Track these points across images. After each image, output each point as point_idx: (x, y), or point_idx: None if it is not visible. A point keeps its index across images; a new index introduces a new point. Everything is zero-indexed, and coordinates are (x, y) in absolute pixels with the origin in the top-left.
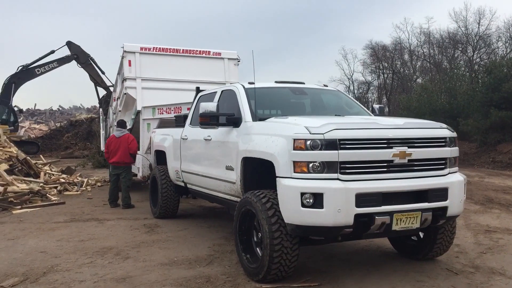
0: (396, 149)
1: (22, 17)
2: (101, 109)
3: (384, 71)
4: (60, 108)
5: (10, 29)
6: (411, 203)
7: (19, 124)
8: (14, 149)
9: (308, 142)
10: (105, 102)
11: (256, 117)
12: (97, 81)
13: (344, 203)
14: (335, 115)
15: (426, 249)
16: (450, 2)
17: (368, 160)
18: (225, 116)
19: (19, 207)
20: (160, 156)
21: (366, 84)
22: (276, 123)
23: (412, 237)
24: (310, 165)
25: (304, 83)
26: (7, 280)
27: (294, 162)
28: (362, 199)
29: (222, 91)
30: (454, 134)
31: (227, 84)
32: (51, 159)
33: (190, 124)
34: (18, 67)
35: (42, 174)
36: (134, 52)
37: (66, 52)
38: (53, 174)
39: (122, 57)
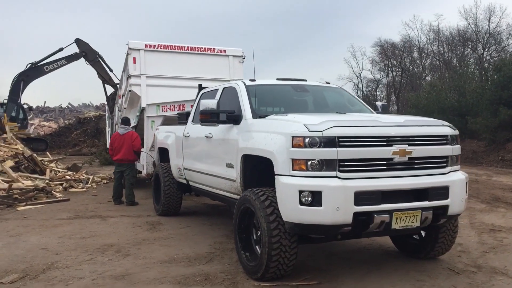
0: (396, 147)
1: (31, 15)
2: (107, 107)
3: (393, 69)
4: (69, 106)
5: (20, 27)
6: (411, 202)
7: (29, 122)
8: (20, 146)
9: (307, 140)
10: (112, 99)
11: (256, 114)
12: (105, 78)
13: (343, 201)
14: (336, 113)
15: (427, 248)
16: None
17: (367, 158)
18: (226, 114)
19: (24, 203)
20: (163, 154)
21: (374, 82)
22: (275, 120)
23: (414, 236)
24: (309, 163)
25: (306, 80)
26: (7, 276)
27: (292, 159)
28: (361, 197)
29: (223, 88)
30: (456, 132)
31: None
32: (59, 156)
33: (192, 121)
34: (27, 65)
35: (48, 171)
36: (139, 49)
37: (74, 49)
38: (59, 171)
39: (127, 54)
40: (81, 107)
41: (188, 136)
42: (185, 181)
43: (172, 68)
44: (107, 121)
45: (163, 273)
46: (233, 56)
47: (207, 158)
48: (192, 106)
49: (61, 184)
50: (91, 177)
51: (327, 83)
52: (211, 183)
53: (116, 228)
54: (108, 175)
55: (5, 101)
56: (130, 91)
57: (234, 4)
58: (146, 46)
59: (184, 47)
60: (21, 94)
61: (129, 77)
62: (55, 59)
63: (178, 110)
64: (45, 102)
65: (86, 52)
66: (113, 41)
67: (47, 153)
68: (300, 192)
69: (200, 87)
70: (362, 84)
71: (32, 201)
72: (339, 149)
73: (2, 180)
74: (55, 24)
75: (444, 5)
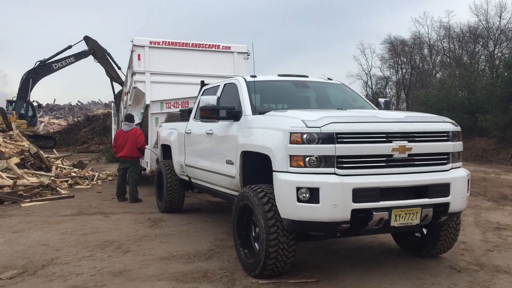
0: (396, 143)
1: (40, 12)
2: (113, 104)
3: (403, 66)
4: (79, 104)
5: (29, 25)
6: (411, 199)
7: (39, 119)
8: (26, 143)
9: (305, 136)
10: (119, 97)
11: (256, 111)
12: (113, 76)
13: (341, 198)
14: (337, 109)
15: (429, 246)
16: None
17: (366, 154)
18: (226, 110)
19: (28, 200)
20: (166, 150)
21: (384, 80)
22: (274, 116)
23: (416, 234)
24: (307, 159)
25: (307, 76)
26: (6, 272)
27: (290, 156)
28: (360, 194)
29: (224, 85)
30: (458, 129)
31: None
32: (67, 154)
33: (194, 118)
34: (36, 62)
35: (53, 168)
36: (143, 46)
37: (83, 47)
38: (64, 168)
39: (132, 51)
40: (90, 104)
41: (190, 132)
42: (187, 178)
43: (176, 64)
44: (112, 119)
45: (161, 270)
46: (238, 52)
47: (208, 155)
48: (195, 103)
49: (67, 181)
50: (96, 174)
51: (329, 79)
52: (212, 180)
53: (118, 224)
54: (114, 172)
55: (14, 99)
56: (134, 88)
57: (241, 1)
58: (150, 43)
59: (189, 43)
60: (30, 91)
61: (133, 74)
62: (63, 57)
63: (181, 107)
64: (54, 99)
65: (95, 50)
66: (121, 39)
67: (54, 150)
68: (298, 188)
69: (202, 84)
70: (371, 81)
71: (37, 198)
72: (337, 145)
73: (7, 177)
74: (64, 21)
75: (454, 1)
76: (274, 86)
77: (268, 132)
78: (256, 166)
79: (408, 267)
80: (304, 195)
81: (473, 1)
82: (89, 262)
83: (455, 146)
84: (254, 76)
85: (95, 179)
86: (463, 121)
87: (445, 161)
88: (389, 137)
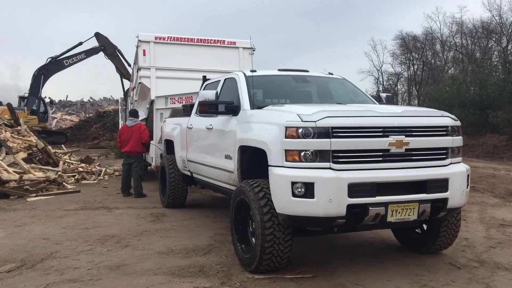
0: (393, 138)
1: (52, 9)
2: (120, 100)
3: (414, 62)
4: (91, 100)
5: (41, 21)
6: (408, 194)
7: (52, 116)
8: (33, 138)
9: (300, 130)
10: (128, 93)
11: (254, 105)
12: (123, 73)
13: (336, 193)
14: (337, 103)
15: (429, 242)
16: None
17: (362, 149)
18: (224, 105)
19: (34, 194)
20: (170, 146)
21: (395, 76)
22: (271, 111)
23: (416, 230)
24: (302, 153)
25: (308, 71)
26: (5, 265)
27: (285, 150)
28: (355, 189)
29: (225, 80)
30: (458, 123)
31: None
32: (75, 149)
33: (195, 113)
34: (47, 59)
35: (61, 163)
36: (148, 42)
37: (94, 43)
38: (72, 163)
39: (137, 47)
40: (102, 101)
41: (191, 128)
42: (189, 173)
43: (181, 60)
44: (120, 114)
45: (158, 264)
46: (243, 48)
47: (208, 150)
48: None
49: (74, 176)
50: (103, 169)
51: (330, 73)
52: (212, 175)
53: (120, 219)
54: (121, 167)
55: (26, 95)
56: (140, 83)
57: None
58: (156, 38)
59: (194, 39)
60: (42, 88)
61: (139, 69)
62: (74, 53)
63: (185, 102)
64: (67, 96)
65: (105, 46)
66: (133, 35)
67: (62, 145)
68: (293, 183)
69: (204, 79)
70: (382, 77)
71: (43, 192)
72: (332, 139)
73: (14, 171)
74: (76, 18)
75: None
76: (274, 80)
77: (265, 126)
78: (254, 161)
79: (407, 263)
80: (299, 190)
81: None
82: (87, 256)
83: (455, 141)
84: (254, 71)
85: (102, 174)
86: (474, 117)
87: (444, 156)
88: (386, 131)
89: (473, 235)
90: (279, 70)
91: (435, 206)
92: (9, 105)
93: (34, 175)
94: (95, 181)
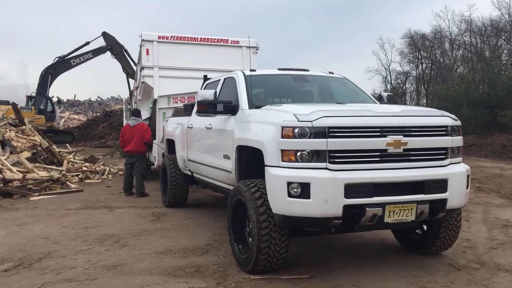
0: (390, 138)
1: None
2: (124, 99)
3: (423, 61)
4: (98, 99)
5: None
6: (405, 195)
7: (60, 115)
8: (38, 138)
9: (296, 130)
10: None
11: (252, 105)
12: (129, 72)
13: (332, 194)
14: (337, 103)
15: (429, 243)
16: None
17: (359, 149)
18: (223, 104)
19: (37, 194)
20: (171, 145)
21: (403, 75)
22: (269, 110)
23: (417, 231)
24: (298, 153)
25: (308, 70)
26: (2, 265)
27: (282, 150)
28: (352, 189)
29: (224, 79)
30: (458, 123)
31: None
32: (80, 148)
33: (196, 112)
34: (55, 58)
35: (65, 162)
36: (152, 41)
37: (101, 43)
38: (76, 163)
39: (140, 46)
40: (109, 100)
41: (192, 127)
42: (190, 173)
43: (185, 59)
44: (124, 114)
45: (155, 264)
46: (247, 47)
47: (208, 149)
48: None
49: (78, 175)
50: (107, 168)
51: (330, 73)
52: (211, 175)
53: (120, 218)
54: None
55: (34, 94)
56: (143, 82)
57: None
58: (159, 37)
59: (197, 38)
60: (49, 87)
61: (142, 68)
62: (81, 53)
63: (188, 101)
64: (75, 95)
65: (112, 46)
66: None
67: (67, 145)
68: (289, 183)
69: (205, 78)
70: (390, 76)
71: (46, 192)
72: (329, 139)
73: (18, 171)
74: (84, 17)
75: None
76: (274, 80)
77: (262, 126)
78: (252, 160)
79: (406, 264)
80: (295, 190)
81: None
82: (85, 255)
83: (454, 141)
84: (253, 70)
85: (105, 173)
86: (483, 117)
87: (443, 156)
88: (383, 131)
89: (475, 236)
90: (279, 69)
91: (433, 207)
92: (13, 105)
93: (38, 174)
94: (99, 180)
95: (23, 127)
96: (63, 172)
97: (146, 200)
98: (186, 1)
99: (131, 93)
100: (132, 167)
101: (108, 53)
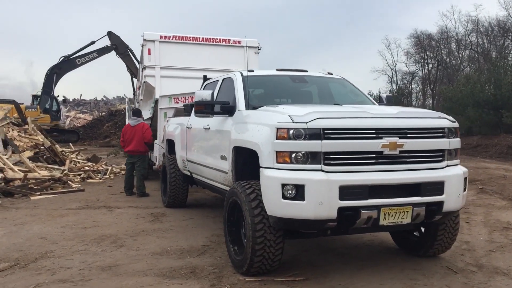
0: (386, 140)
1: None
2: (127, 99)
3: (429, 61)
4: (104, 98)
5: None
6: (401, 197)
7: (66, 114)
8: (40, 137)
9: (291, 131)
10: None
11: (249, 105)
12: (134, 72)
13: (327, 196)
14: (334, 104)
15: (426, 245)
16: None
17: (354, 151)
18: (220, 105)
19: (38, 193)
20: (171, 145)
21: (409, 75)
22: (265, 111)
23: (414, 233)
24: (293, 155)
25: (307, 71)
26: None
27: (276, 152)
28: (347, 191)
29: (223, 79)
30: (455, 125)
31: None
32: (82, 148)
33: (195, 113)
34: (60, 58)
35: (67, 161)
36: (153, 41)
37: (107, 42)
38: (78, 162)
39: (142, 46)
40: (115, 99)
41: (191, 127)
42: (189, 173)
43: (186, 59)
44: (127, 113)
45: (150, 265)
46: (249, 47)
47: (205, 150)
48: None
49: (80, 175)
50: (109, 168)
51: (329, 73)
52: (209, 175)
53: (119, 219)
54: None
55: (39, 94)
56: (145, 82)
57: None
58: (161, 37)
59: (199, 38)
60: (54, 86)
61: (144, 68)
62: (86, 52)
63: (189, 101)
64: (81, 94)
65: (117, 45)
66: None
67: (70, 144)
68: (283, 185)
69: (205, 78)
70: (396, 77)
71: (47, 191)
72: (324, 141)
73: (19, 170)
74: (89, 17)
75: None
76: (272, 80)
77: (257, 127)
78: (248, 162)
79: (403, 267)
80: (290, 192)
81: None
82: (81, 256)
83: (451, 143)
84: (251, 71)
85: (108, 173)
86: (489, 117)
87: (440, 159)
88: (379, 133)
89: (475, 238)
90: (277, 70)
91: (430, 209)
92: (15, 104)
93: (39, 173)
94: (101, 180)
95: (26, 126)
96: (65, 172)
97: (146, 200)
98: (189, 1)
99: (134, 92)
100: (133, 167)
101: (113, 52)
